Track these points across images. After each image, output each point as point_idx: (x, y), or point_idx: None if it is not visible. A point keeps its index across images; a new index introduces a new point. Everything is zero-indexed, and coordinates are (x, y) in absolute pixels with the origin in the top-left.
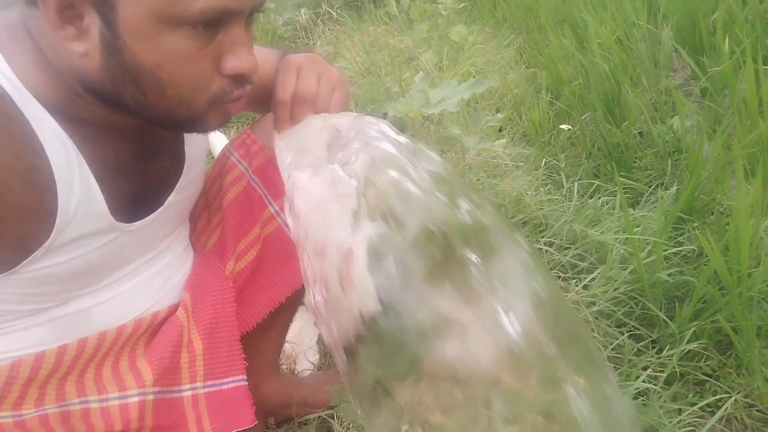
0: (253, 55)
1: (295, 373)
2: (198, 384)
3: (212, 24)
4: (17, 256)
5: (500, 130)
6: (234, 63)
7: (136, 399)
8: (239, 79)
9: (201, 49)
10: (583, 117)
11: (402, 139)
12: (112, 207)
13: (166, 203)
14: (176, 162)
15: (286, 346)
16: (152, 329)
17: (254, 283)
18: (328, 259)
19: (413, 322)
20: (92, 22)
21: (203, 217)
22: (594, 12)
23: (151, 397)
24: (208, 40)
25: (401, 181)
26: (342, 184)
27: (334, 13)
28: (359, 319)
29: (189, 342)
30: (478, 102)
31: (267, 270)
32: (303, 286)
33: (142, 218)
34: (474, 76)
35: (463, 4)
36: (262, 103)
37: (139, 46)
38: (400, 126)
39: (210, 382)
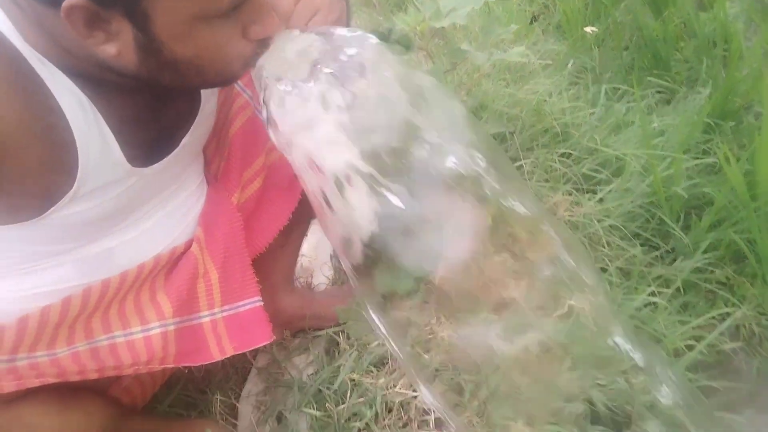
0: (274, 17)
1: (312, 286)
2: (216, 310)
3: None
4: (44, 204)
5: (532, 22)
6: (260, 30)
7: (158, 331)
8: (266, 41)
9: (231, 30)
10: (621, 5)
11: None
12: (129, 155)
13: (181, 144)
14: (191, 104)
15: (303, 260)
16: (170, 264)
17: (260, 209)
18: (325, 183)
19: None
20: (122, 26)
21: (211, 145)
22: None
23: (172, 327)
24: (235, 19)
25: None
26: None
27: None
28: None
29: (205, 272)
30: None
31: (272, 196)
32: (303, 204)
33: (159, 161)
34: None
35: None
36: None
37: (177, 45)
38: (405, 42)
39: (227, 306)
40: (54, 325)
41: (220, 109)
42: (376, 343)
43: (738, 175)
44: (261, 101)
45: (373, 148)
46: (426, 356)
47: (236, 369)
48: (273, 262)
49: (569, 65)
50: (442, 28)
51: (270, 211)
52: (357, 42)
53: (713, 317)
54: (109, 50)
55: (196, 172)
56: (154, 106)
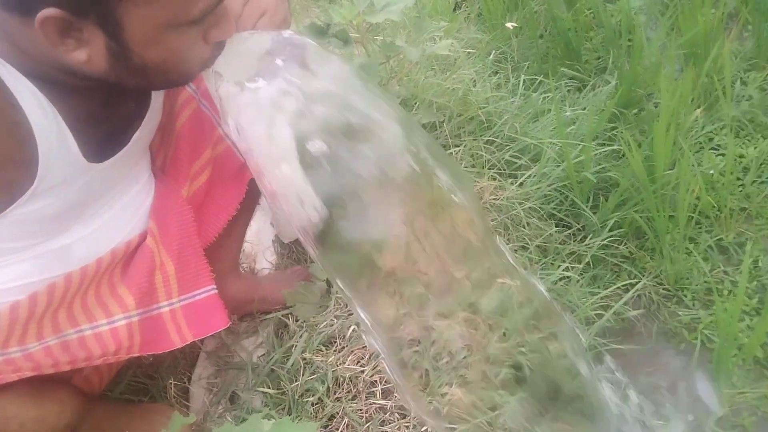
0: (232, 22)
1: (255, 272)
2: (174, 299)
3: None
4: (5, 200)
5: (455, 9)
6: (219, 34)
7: (123, 322)
8: (221, 44)
9: (195, 35)
10: None
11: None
12: (85, 152)
13: (132, 139)
14: (141, 102)
15: (246, 246)
16: (126, 257)
17: (209, 200)
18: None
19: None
20: (94, 34)
21: (156, 139)
22: None
23: (136, 318)
24: (200, 25)
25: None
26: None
27: None
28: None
29: (161, 264)
30: None
31: (219, 188)
32: (250, 193)
33: (112, 156)
34: None
35: None
36: None
37: (147, 51)
38: (343, 36)
39: (184, 296)
40: (23, 321)
41: (165, 101)
42: (324, 323)
43: (638, 160)
44: (215, 95)
45: (315, 133)
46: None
47: (184, 354)
48: (219, 250)
49: (491, 55)
50: (376, 23)
51: (218, 202)
52: (300, 43)
53: (618, 288)
54: (78, 56)
55: (145, 166)
56: (108, 105)
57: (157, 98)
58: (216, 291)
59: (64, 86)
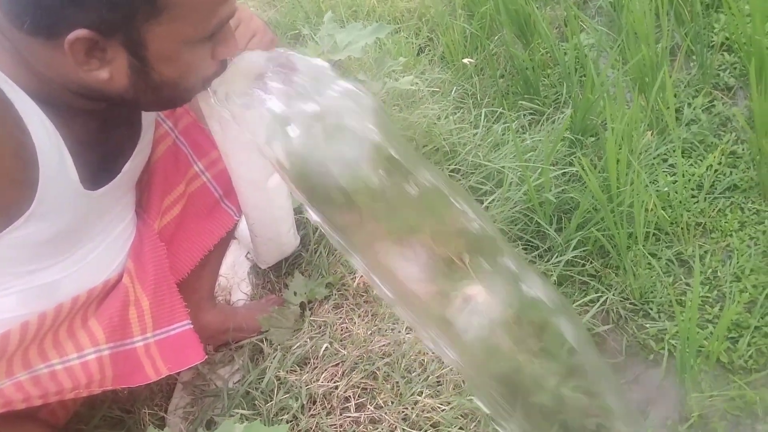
0: (236, 39)
1: (230, 303)
2: (148, 334)
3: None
4: (2, 222)
5: (418, 53)
6: (225, 51)
7: (93, 356)
8: (226, 61)
9: (206, 51)
10: (496, 37)
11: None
12: (82, 177)
13: (123, 170)
14: (133, 130)
15: (221, 279)
16: (102, 295)
17: (181, 236)
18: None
19: None
20: (118, 53)
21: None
22: None
23: (107, 352)
24: (212, 40)
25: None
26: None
27: None
28: None
29: (136, 300)
30: (399, 23)
31: (193, 223)
32: (228, 232)
33: (104, 185)
34: None
35: None
36: None
37: (165, 67)
38: None
39: (158, 331)
40: None
41: None
42: (298, 344)
43: (594, 181)
44: (215, 113)
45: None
46: (344, 351)
47: (160, 386)
48: (195, 281)
49: (453, 92)
50: (340, 60)
51: (193, 239)
52: (298, 60)
53: (586, 304)
54: (101, 75)
55: (130, 203)
56: (104, 129)
57: (147, 129)
58: (191, 326)
59: (68, 109)
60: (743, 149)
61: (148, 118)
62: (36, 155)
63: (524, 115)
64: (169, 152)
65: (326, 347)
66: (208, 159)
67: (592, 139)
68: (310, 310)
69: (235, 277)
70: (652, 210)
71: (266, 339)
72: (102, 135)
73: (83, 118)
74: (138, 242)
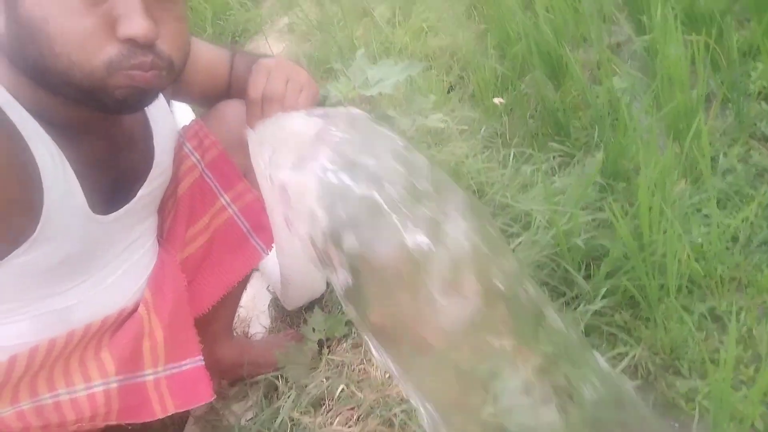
0: (147, 21)
1: (248, 335)
2: (159, 368)
3: None
4: (5, 248)
5: (449, 91)
6: (125, 28)
7: (101, 388)
8: (136, 46)
9: (90, 6)
10: (527, 77)
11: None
12: (90, 200)
13: (138, 195)
14: (146, 156)
15: (241, 311)
16: (117, 324)
17: (205, 269)
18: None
19: None
20: None
21: (162, 204)
22: None
23: (115, 385)
24: (96, 6)
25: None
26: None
27: None
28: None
29: (150, 332)
30: (431, 61)
31: (217, 258)
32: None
33: (116, 210)
34: (426, 33)
35: None
36: (211, 97)
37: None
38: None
39: (170, 365)
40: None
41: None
42: (313, 384)
43: (626, 229)
44: (263, 168)
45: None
46: (360, 395)
47: (173, 420)
48: (214, 313)
49: (482, 131)
50: (371, 96)
51: (217, 274)
52: (347, 117)
53: (614, 357)
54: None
55: (150, 230)
56: (111, 149)
57: (162, 155)
58: (203, 362)
59: (71, 128)
60: None
61: (162, 144)
62: (40, 178)
63: (554, 157)
64: (195, 185)
65: (342, 389)
66: (235, 191)
67: (623, 184)
68: (327, 347)
69: (255, 309)
70: (685, 261)
71: (282, 376)
72: (111, 158)
73: (90, 140)
74: (158, 272)
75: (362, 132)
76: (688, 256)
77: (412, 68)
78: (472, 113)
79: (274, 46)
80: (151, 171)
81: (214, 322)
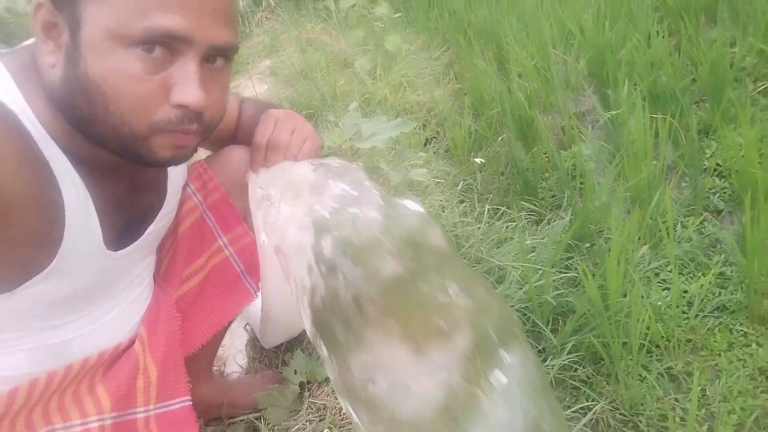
0: (201, 92)
1: (224, 375)
2: (151, 406)
3: (162, 47)
4: (20, 276)
5: (425, 144)
6: (178, 95)
7: (96, 425)
8: (187, 113)
9: (149, 73)
10: (499, 139)
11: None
12: (106, 237)
13: (146, 233)
14: (159, 195)
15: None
16: (112, 359)
17: (197, 309)
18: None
19: None
20: (63, 33)
21: (162, 242)
22: (516, 37)
23: (109, 422)
24: (158, 66)
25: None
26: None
27: (272, 1)
28: None
29: (145, 369)
30: (408, 114)
31: (212, 298)
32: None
33: (126, 246)
34: (405, 88)
35: (399, 14)
36: (218, 141)
37: (92, 59)
38: (333, 155)
39: (161, 404)
40: None
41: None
42: (296, 427)
43: (593, 288)
44: (260, 215)
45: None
46: None
47: None
48: (197, 352)
49: (459, 185)
50: (362, 149)
51: (209, 313)
52: (345, 170)
53: (577, 411)
54: (49, 59)
55: (149, 267)
56: (131, 191)
57: (173, 196)
58: (191, 402)
59: (98, 167)
60: (731, 271)
61: (173, 185)
62: (63, 213)
63: (524, 215)
64: (195, 225)
65: None
66: (233, 234)
67: (587, 245)
68: (308, 390)
69: (231, 347)
70: (645, 322)
71: (263, 418)
72: (130, 197)
73: (114, 180)
74: (154, 309)
75: (358, 189)
76: (650, 317)
77: (404, 126)
78: (448, 167)
79: (256, 86)
80: (161, 210)
81: (196, 362)
